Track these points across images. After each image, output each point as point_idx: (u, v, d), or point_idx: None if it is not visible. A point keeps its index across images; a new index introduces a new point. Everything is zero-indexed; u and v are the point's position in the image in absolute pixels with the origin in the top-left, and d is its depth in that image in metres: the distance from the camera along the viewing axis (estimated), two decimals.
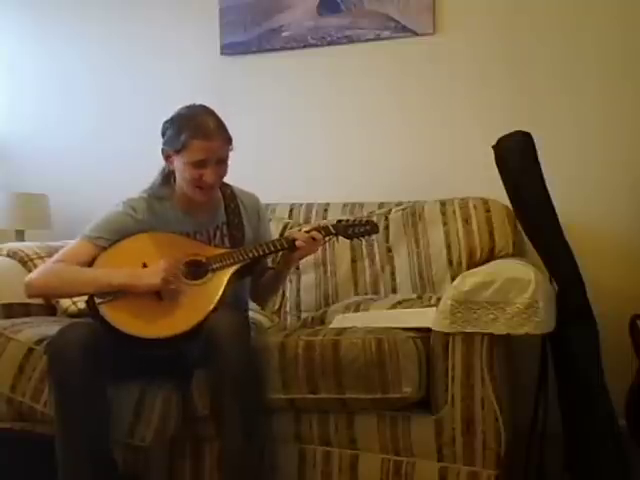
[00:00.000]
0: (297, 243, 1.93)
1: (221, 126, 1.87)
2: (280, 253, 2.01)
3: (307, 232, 1.96)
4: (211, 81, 2.92)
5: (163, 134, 1.89)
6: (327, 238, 2.01)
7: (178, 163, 1.87)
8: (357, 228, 2.03)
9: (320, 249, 2.16)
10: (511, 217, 2.28)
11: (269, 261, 2.13)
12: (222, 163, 1.88)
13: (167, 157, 1.90)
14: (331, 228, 2.01)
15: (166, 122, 1.89)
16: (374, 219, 2.40)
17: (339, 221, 2.05)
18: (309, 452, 1.83)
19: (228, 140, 1.88)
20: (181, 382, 1.86)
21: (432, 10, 2.61)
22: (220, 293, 1.82)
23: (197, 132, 1.81)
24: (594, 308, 1.94)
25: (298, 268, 2.44)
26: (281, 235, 2.47)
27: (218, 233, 1.99)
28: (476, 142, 2.48)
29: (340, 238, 2.04)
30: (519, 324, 1.62)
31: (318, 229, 1.98)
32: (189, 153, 1.82)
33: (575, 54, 2.47)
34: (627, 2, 2.42)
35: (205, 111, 1.88)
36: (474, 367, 1.68)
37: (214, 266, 1.86)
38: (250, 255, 1.90)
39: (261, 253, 1.92)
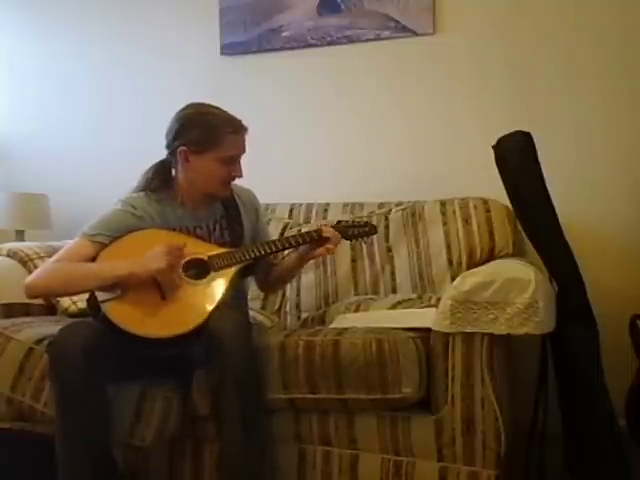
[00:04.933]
0: (325, 235, 1.93)
1: (241, 120, 1.92)
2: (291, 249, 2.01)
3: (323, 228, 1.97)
4: (211, 81, 2.92)
5: (181, 133, 1.87)
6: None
7: (203, 162, 1.87)
8: (356, 229, 2.04)
9: None
10: (511, 217, 2.28)
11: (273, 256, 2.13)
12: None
13: (186, 157, 1.88)
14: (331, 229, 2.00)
15: (186, 120, 1.88)
16: (374, 219, 2.42)
17: (338, 222, 2.05)
18: (309, 452, 1.83)
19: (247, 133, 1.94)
20: (181, 382, 1.86)
21: (432, 10, 2.61)
22: (222, 293, 1.82)
23: (230, 127, 1.87)
24: (594, 308, 1.94)
25: None
26: (281, 235, 2.47)
27: (217, 227, 1.99)
28: (476, 142, 2.48)
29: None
30: (519, 324, 1.62)
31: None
32: (223, 149, 1.86)
33: (575, 54, 2.47)
34: (626, 3, 2.42)
35: (220, 108, 1.92)
36: (474, 367, 1.68)
37: (216, 265, 1.86)
38: (251, 255, 1.90)
39: (262, 253, 1.92)
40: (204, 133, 1.85)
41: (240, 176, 1.91)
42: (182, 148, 1.88)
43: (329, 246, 1.93)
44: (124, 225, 1.88)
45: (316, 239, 1.95)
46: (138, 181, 1.99)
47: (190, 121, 1.88)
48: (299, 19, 2.80)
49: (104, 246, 1.85)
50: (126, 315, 1.75)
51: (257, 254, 1.91)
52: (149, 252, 1.79)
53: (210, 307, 1.79)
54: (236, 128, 1.88)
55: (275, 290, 2.34)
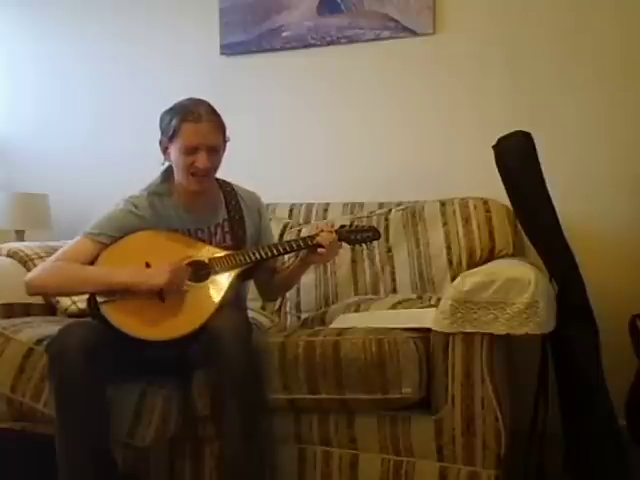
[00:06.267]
0: (318, 239, 1.92)
1: (213, 112, 1.88)
2: (294, 254, 2.00)
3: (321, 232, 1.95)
4: (211, 81, 2.92)
5: (159, 126, 1.91)
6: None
7: (173, 152, 1.87)
8: (359, 234, 2.03)
9: None
10: (511, 217, 2.28)
11: (277, 261, 2.13)
12: (214, 152, 1.87)
13: (165, 149, 1.91)
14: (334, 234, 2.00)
15: (162, 114, 1.91)
16: (374, 219, 2.42)
17: (342, 227, 2.04)
18: (309, 452, 1.83)
19: (220, 127, 1.88)
20: (181, 382, 1.85)
21: (432, 10, 2.61)
22: (222, 296, 1.82)
23: (187, 116, 1.83)
24: (594, 308, 1.94)
25: None
26: (281, 237, 2.48)
27: (219, 230, 1.98)
28: (476, 142, 2.48)
29: (343, 244, 2.04)
30: (519, 324, 1.62)
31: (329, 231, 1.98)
32: (181, 138, 1.83)
33: (575, 54, 2.47)
34: (626, 2, 2.42)
35: (199, 100, 1.90)
36: (474, 367, 1.68)
37: (217, 268, 1.86)
38: (252, 258, 1.90)
39: (263, 256, 1.91)
40: (167, 124, 1.86)
41: (202, 167, 1.84)
42: (160, 139, 1.90)
43: (321, 250, 1.92)
44: (126, 225, 1.88)
45: (313, 245, 1.94)
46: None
47: (164, 114, 1.90)
48: (299, 19, 2.79)
49: (106, 246, 1.85)
50: (125, 317, 1.76)
51: (258, 257, 1.91)
52: (155, 264, 1.79)
53: (210, 310, 1.79)
54: (195, 117, 1.83)
55: (276, 297, 2.33)
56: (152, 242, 1.88)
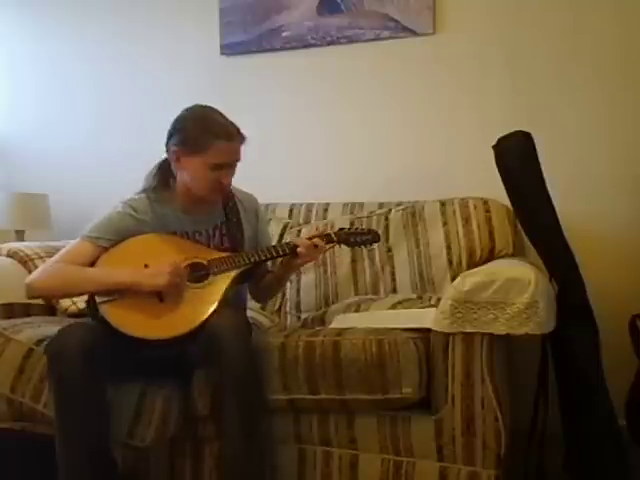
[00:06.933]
0: (298, 250, 1.91)
1: (239, 129, 1.87)
2: (280, 258, 2.00)
3: (309, 239, 1.95)
4: (211, 81, 2.92)
5: (174, 133, 1.86)
6: (328, 246, 2.00)
7: (193, 164, 1.84)
8: (359, 237, 2.03)
9: None
10: (511, 217, 2.28)
11: (269, 264, 2.13)
12: (236, 165, 1.89)
13: (177, 158, 1.87)
14: (333, 236, 2.00)
15: (180, 121, 1.87)
16: (374, 219, 2.42)
17: (341, 229, 2.05)
18: (309, 452, 1.83)
19: (244, 141, 1.88)
20: (181, 382, 1.85)
21: (432, 10, 2.61)
22: (220, 297, 1.82)
23: (221, 134, 1.82)
24: (594, 308, 1.94)
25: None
26: (281, 236, 2.48)
27: (217, 232, 1.98)
28: (476, 142, 2.48)
29: (342, 246, 2.04)
30: (519, 324, 1.62)
31: (320, 236, 1.98)
32: (211, 155, 1.81)
33: (574, 53, 2.47)
34: (626, 2, 2.42)
35: (220, 113, 1.87)
36: (474, 367, 1.68)
37: (215, 270, 1.86)
38: (251, 260, 1.90)
39: (262, 258, 1.92)
40: (193, 136, 1.83)
41: (227, 184, 1.85)
42: (173, 148, 1.86)
43: (303, 260, 1.93)
44: (125, 228, 1.88)
45: (291, 251, 1.93)
46: (143, 181, 1.98)
47: (184, 122, 1.86)
48: (299, 19, 2.79)
49: (105, 249, 1.85)
50: (123, 317, 1.76)
51: (257, 259, 1.91)
52: (154, 265, 1.79)
53: (208, 311, 1.79)
54: (228, 136, 1.82)
55: (269, 298, 2.29)
56: (151, 245, 1.88)
